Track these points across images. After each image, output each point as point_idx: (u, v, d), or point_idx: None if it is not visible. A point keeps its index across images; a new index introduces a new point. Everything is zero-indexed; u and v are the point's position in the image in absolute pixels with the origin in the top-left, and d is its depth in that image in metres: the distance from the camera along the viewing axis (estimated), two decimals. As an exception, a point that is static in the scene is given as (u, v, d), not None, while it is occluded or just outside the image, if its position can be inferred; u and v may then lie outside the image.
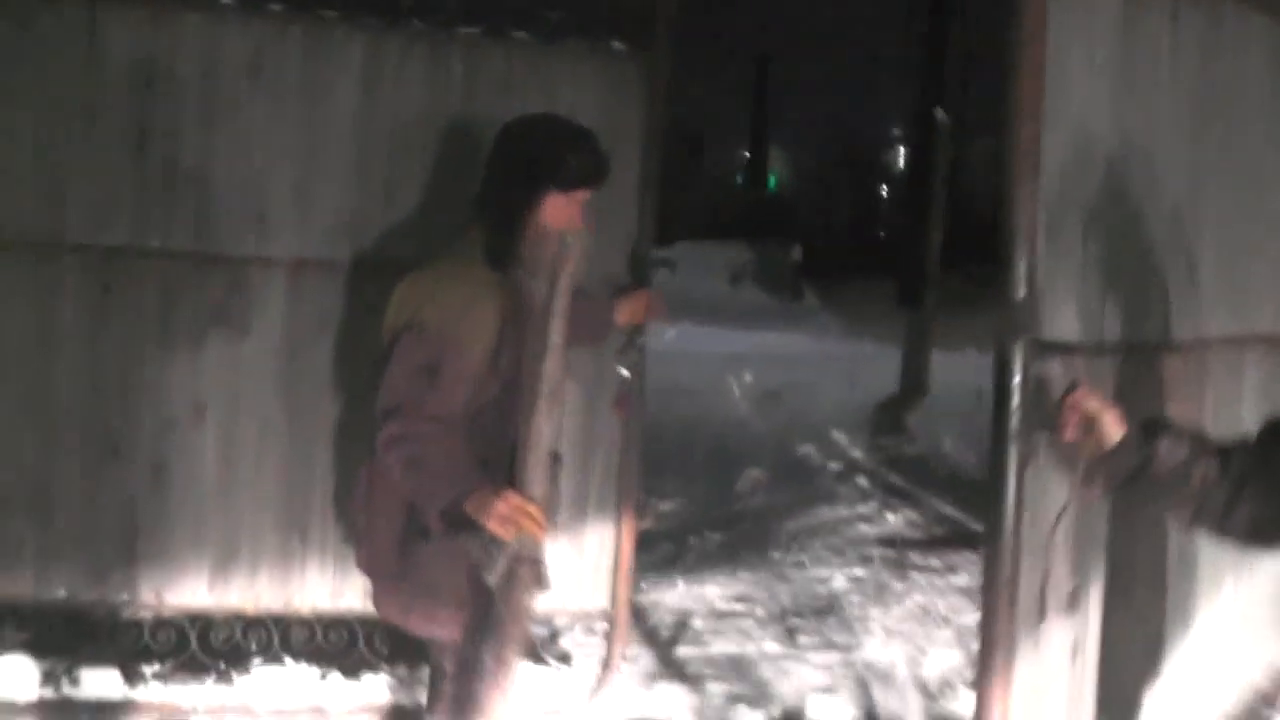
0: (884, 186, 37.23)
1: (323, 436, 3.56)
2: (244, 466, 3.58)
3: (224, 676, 3.67)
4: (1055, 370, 2.42)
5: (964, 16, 14.89)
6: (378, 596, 2.68)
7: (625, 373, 3.55)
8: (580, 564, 3.79)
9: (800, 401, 9.93)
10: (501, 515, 2.28)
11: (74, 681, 3.55)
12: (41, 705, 3.48)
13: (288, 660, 3.71)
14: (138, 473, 3.51)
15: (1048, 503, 2.47)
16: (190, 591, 3.58)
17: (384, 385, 2.45)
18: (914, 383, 9.57)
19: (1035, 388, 2.37)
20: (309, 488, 3.59)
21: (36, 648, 3.58)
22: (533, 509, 2.30)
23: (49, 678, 3.54)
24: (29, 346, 3.46)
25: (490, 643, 2.38)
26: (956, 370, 10.60)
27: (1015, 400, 2.36)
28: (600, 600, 3.83)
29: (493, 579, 2.32)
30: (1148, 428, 1.99)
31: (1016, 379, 2.37)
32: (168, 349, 3.52)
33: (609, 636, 3.87)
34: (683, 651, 4.26)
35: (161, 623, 3.64)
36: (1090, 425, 2.02)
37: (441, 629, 2.60)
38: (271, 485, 3.59)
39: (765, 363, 11.79)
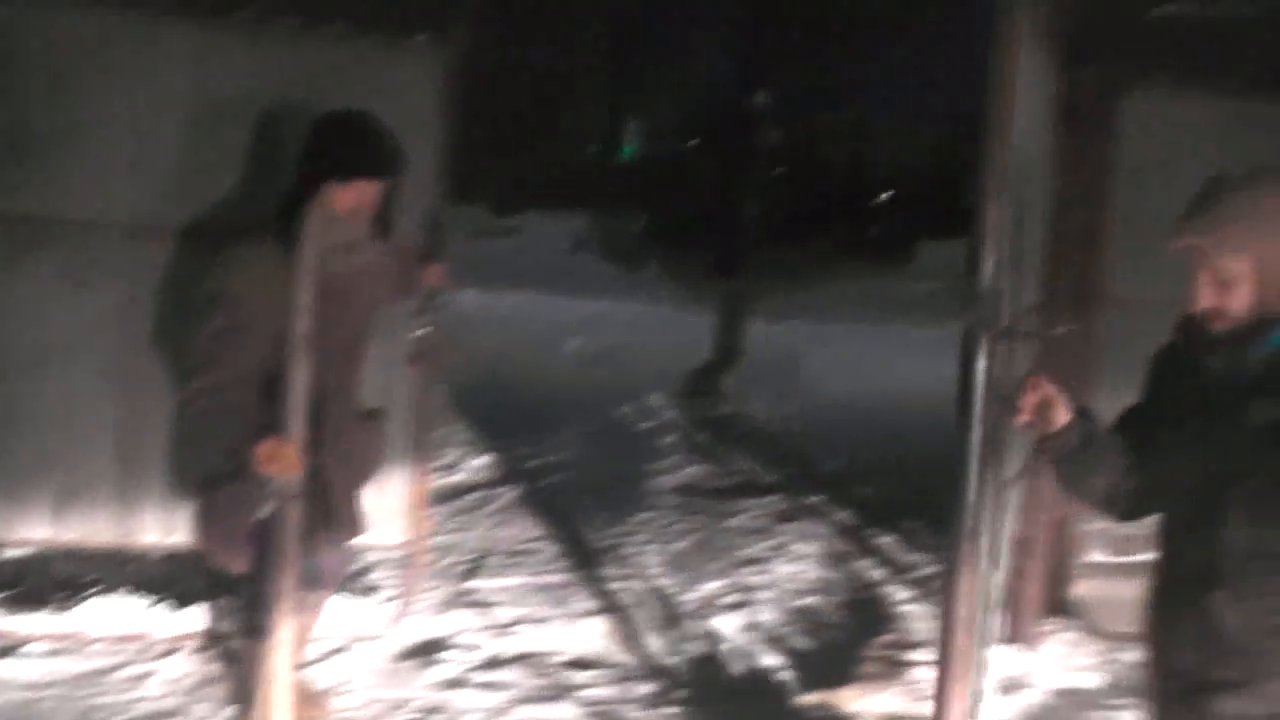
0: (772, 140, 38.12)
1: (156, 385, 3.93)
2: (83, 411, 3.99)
3: (61, 606, 4.03)
4: (1015, 355, 2.85)
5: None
6: (195, 532, 3.17)
7: (420, 332, 3.99)
8: (383, 505, 4.24)
9: (625, 366, 10.51)
10: (264, 456, 2.75)
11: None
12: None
13: (121, 591, 4.09)
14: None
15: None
16: (32, 526, 3.98)
17: (191, 345, 2.91)
18: (728, 348, 10.20)
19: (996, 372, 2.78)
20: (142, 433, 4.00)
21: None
22: (288, 450, 2.76)
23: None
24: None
25: (270, 574, 2.85)
26: (780, 338, 11.35)
27: (981, 384, 2.78)
28: (400, 538, 4.30)
29: (265, 514, 2.81)
30: (1082, 412, 2.23)
31: (982, 365, 2.79)
32: (17, 301, 3.89)
33: (406, 571, 4.34)
34: (477, 583, 4.78)
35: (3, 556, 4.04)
36: (1044, 409, 2.21)
37: (231, 562, 3.08)
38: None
39: (599, 329, 12.32)
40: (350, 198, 2.94)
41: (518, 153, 26.38)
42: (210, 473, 3.00)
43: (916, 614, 4.67)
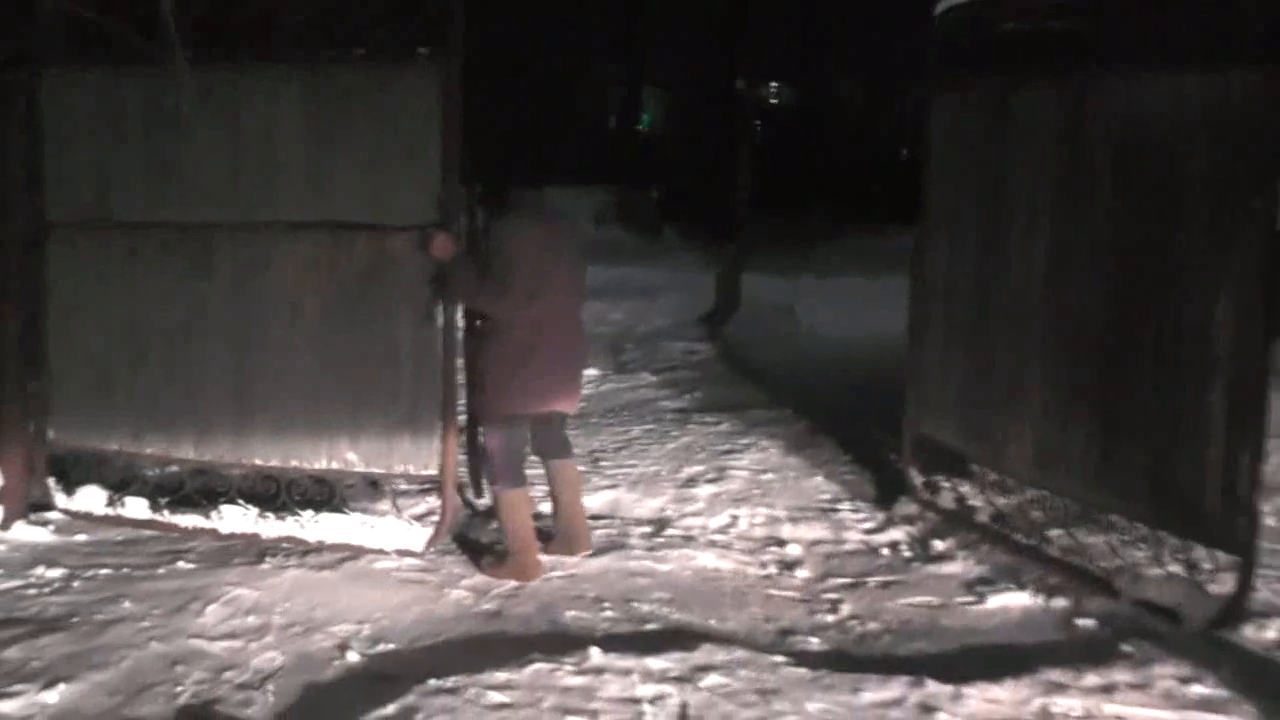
0: (758, 124, 39.63)
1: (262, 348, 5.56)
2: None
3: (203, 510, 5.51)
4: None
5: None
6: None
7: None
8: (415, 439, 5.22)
9: (640, 320, 12.29)
10: None
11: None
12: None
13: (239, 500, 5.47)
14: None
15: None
16: (183, 449, 5.48)
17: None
18: (727, 300, 11.91)
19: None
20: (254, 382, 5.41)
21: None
22: None
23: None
24: None
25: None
26: (779, 290, 13.08)
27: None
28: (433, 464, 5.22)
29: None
30: None
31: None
32: (161, 287, 5.41)
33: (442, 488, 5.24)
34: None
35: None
36: None
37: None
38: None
39: (620, 292, 14.06)
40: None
41: (539, 131, 28.02)
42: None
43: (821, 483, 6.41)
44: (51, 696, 3.85)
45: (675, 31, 34.26)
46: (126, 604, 4.61)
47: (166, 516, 5.48)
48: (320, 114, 5.17)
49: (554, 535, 5.31)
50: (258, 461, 5.38)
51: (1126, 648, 4.29)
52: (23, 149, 5.49)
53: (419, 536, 5.25)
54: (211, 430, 5.42)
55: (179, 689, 3.94)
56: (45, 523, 5.51)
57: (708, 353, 10.67)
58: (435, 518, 5.26)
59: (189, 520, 5.44)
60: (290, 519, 5.35)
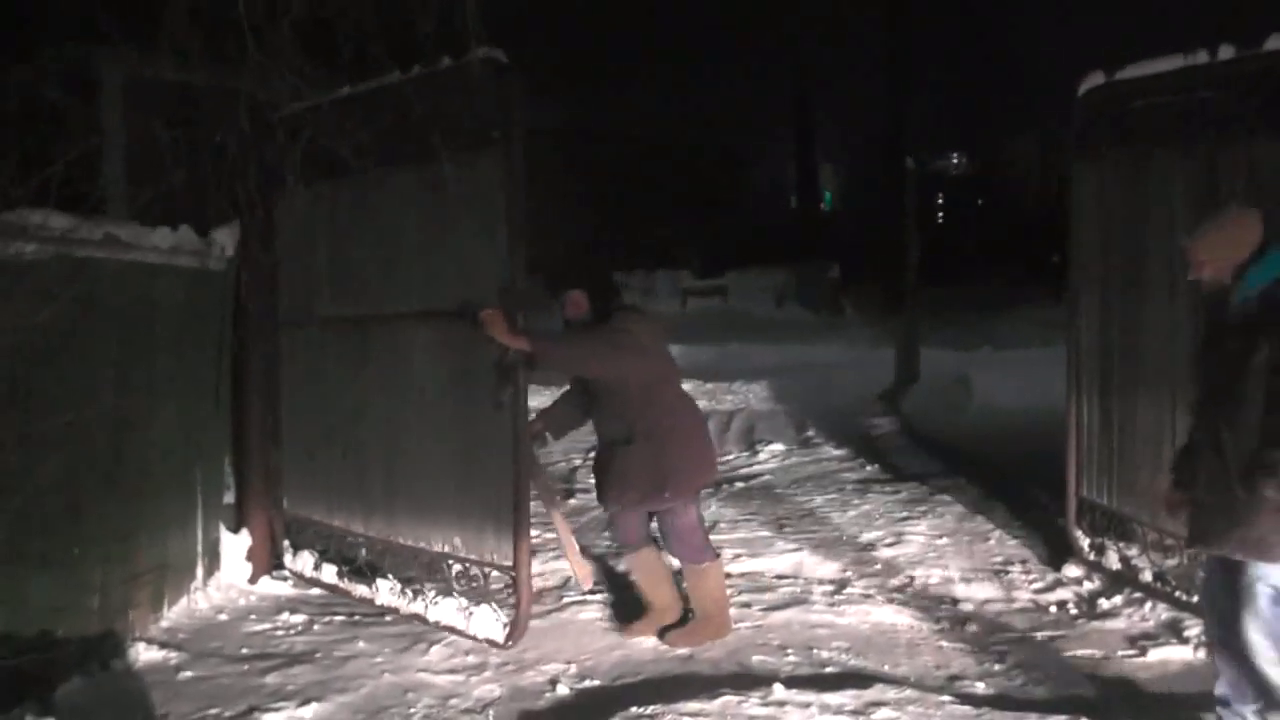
0: (939, 197, 39.71)
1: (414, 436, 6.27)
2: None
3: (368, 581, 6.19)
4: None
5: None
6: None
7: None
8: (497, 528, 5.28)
9: (822, 397, 12.80)
10: None
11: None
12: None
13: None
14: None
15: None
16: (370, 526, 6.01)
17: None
18: (904, 375, 12.31)
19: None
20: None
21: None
22: None
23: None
24: None
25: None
26: (946, 364, 13.40)
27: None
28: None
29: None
30: None
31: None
32: (363, 372, 6.27)
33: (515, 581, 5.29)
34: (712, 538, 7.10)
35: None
36: None
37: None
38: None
39: (802, 370, 14.63)
40: None
41: (715, 215, 28.89)
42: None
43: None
44: (306, 713, 4.58)
45: (846, 109, 35.02)
46: (360, 643, 5.36)
47: (346, 584, 6.11)
48: (428, 205, 5.50)
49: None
50: (401, 540, 5.79)
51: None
52: (263, 257, 6.31)
53: (499, 627, 5.34)
54: (372, 508, 5.95)
55: (411, 711, 4.62)
56: (285, 578, 6.33)
57: (886, 426, 11.10)
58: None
59: (360, 590, 5.98)
60: (419, 598, 5.70)
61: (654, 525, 5.51)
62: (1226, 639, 3.94)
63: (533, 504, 5.28)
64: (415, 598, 5.71)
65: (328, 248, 6.15)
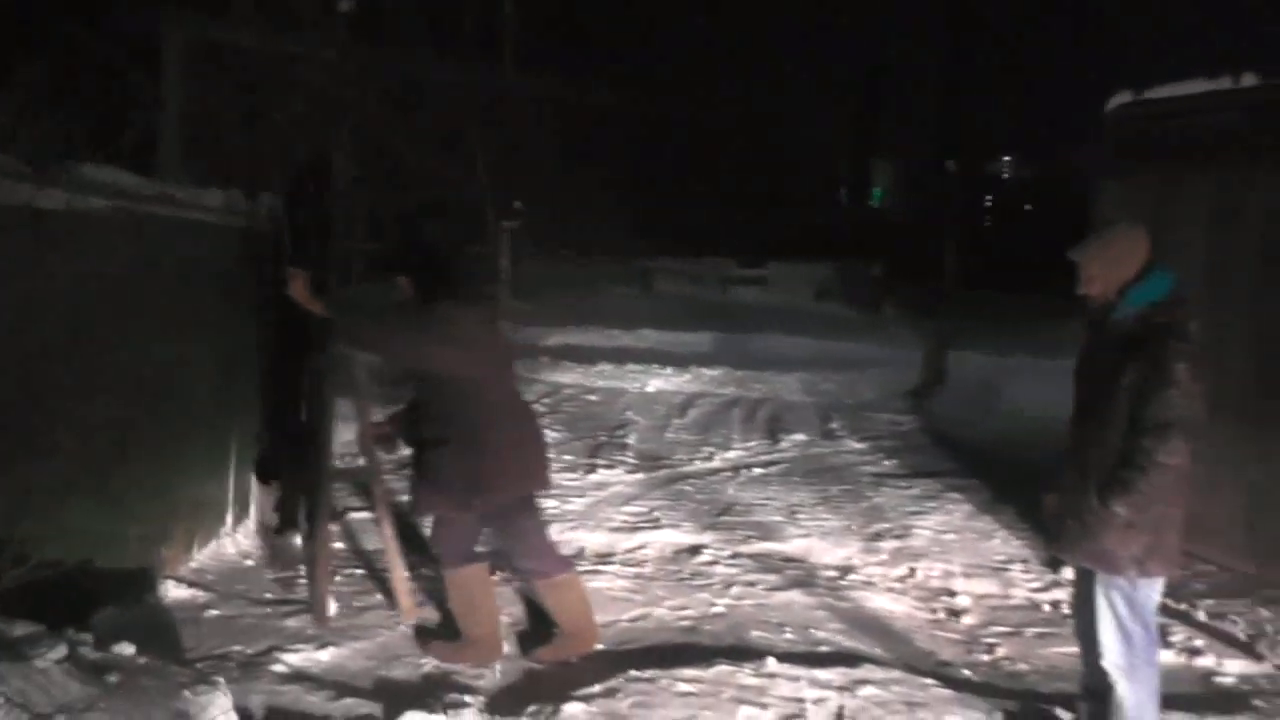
0: (988, 198, 39.62)
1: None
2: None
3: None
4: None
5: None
6: None
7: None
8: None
9: (850, 391, 12.99)
10: None
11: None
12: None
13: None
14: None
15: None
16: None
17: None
18: (932, 375, 12.46)
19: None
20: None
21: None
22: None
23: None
24: None
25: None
26: (979, 368, 13.52)
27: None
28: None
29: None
30: None
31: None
32: None
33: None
34: (725, 518, 7.33)
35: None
36: None
37: None
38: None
39: (834, 364, 14.77)
40: None
41: (765, 206, 29.04)
42: None
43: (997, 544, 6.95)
44: (323, 655, 4.89)
45: (905, 107, 35.01)
46: (378, 595, 5.69)
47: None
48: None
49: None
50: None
51: (1258, 702, 4.75)
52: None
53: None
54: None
55: (422, 661, 4.93)
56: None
57: (910, 424, 11.26)
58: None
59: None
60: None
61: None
62: (1085, 637, 4.17)
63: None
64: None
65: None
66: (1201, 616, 5.62)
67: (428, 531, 5.26)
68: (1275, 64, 5.32)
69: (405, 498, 6.03)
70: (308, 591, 5.48)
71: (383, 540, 5.46)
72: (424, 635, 5.17)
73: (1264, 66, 5.33)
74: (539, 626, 5.25)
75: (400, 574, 5.36)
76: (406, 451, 5.18)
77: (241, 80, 6.55)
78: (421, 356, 4.62)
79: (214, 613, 5.32)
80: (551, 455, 8.76)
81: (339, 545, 6.38)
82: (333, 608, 5.33)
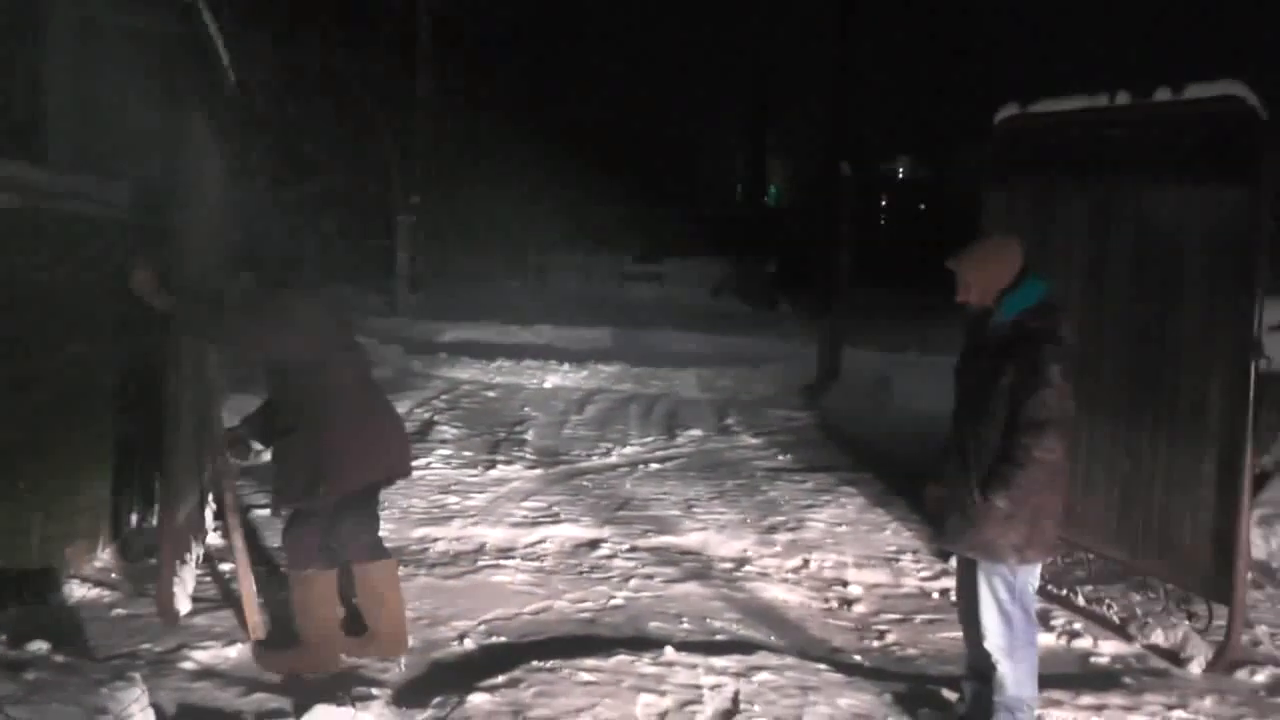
0: (883, 198, 40.32)
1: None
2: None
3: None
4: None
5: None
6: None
7: None
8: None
9: (745, 387, 13.23)
10: None
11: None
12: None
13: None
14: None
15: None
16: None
17: None
18: (826, 371, 12.75)
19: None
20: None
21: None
22: None
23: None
24: None
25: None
26: (870, 365, 13.84)
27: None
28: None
29: None
30: None
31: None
32: None
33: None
34: (622, 513, 7.46)
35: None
36: None
37: None
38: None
39: (729, 360, 14.99)
40: None
41: (660, 201, 29.25)
42: None
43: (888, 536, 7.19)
44: (231, 652, 4.90)
45: (797, 106, 35.46)
46: (285, 593, 5.55)
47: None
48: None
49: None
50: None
51: (1128, 680, 5.03)
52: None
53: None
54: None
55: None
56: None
57: (805, 420, 11.51)
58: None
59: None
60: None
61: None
62: (969, 621, 4.41)
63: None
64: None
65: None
66: (1080, 601, 5.90)
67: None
68: (1147, 84, 5.60)
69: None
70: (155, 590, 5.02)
71: (232, 552, 5.25)
72: (261, 651, 4.92)
73: (1136, 86, 5.60)
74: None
75: (249, 589, 5.09)
76: (266, 458, 5.17)
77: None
78: (260, 341, 4.69)
79: (121, 611, 5.30)
80: (450, 451, 9.01)
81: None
82: (185, 606, 4.97)
